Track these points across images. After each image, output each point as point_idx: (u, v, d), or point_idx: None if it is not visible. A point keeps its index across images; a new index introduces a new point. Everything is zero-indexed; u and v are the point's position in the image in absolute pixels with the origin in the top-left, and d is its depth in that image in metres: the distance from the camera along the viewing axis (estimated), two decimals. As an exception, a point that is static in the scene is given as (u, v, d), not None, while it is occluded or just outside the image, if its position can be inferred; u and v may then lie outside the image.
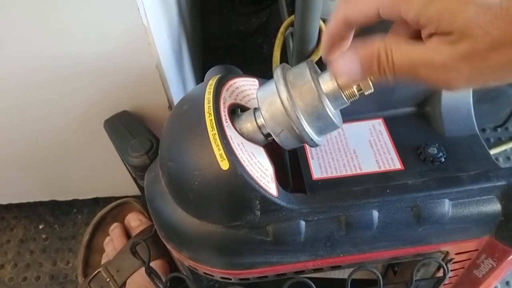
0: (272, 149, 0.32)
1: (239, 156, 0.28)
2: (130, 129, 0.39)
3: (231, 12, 0.91)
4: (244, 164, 0.28)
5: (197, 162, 0.28)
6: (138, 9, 0.33)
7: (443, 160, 0.35)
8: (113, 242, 0.52)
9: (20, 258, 0.63)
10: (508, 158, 0.67)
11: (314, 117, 0.27)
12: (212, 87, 0.31)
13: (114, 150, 0.41)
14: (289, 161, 0.39)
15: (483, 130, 0.69)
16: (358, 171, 0.36)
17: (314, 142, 0.28)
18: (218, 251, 0.30)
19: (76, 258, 0.61)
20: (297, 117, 0.26)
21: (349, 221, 0.29)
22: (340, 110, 0.30)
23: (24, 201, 0.64)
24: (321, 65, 0.28)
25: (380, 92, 0.37)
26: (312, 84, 0.26)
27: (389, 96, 0.39)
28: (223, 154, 0.27)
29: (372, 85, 0.26)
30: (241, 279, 0.33)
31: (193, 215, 0.30)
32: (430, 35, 0.21)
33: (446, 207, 0.30)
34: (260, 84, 0.34)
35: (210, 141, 0.28)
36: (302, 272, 0.33)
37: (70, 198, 0.64)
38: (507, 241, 0.32)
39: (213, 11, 0.93)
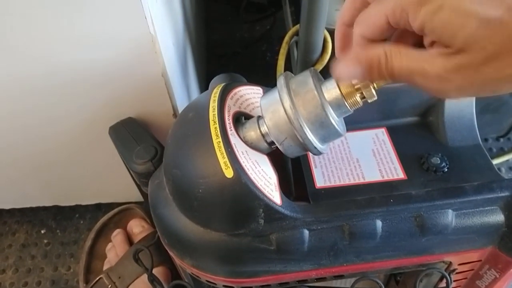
0: (275, 156, 0.32)
1: (243, 164, 0.28)
2: (134, 136, 0.39)
3: (236, 20, 0.92)
4: (248, 173, 0.28)
5: (201, 170, 0.28)
6: (146, 18, 0.33)
7: (446, 170, 0.35)
8: (115, 249, 0.52)
9: (21, 263, 0.62)
10: (511, 168, 0.67)
11: (317, 125, 0.27)
12: (217, 95, 0.31)
13: (118, 156, 0.42)
14: (292, 169, 0.39)
15: (485, 140, 0.69)
16: (361, 180, 0.36)
17: (318, 150, 0.28)
18: (221, 259, 0.30)
19: (77, 264, 0.61)
20: (300, 125, 0.27)
21: (353, 230, 0.30)
22: (344, 119, 0.30)
23: (27, 206, 0.64)
24: (325, 74, 0.29)
25: (383, 102, 0.38)
26: (315, 92, 0.26)
27: (392, 106, 0.39)
28: (228, 162, 0.28)
29: (375, 93, 0.26)
30: (243, 288, 0.33)
31: (196, 222, 0.30)
32: (432, 43, 0.21)
33: (450, 217, 0.30)
34: (264, 93, 0.35)
35: (214, 149, 0.28)
36: (305, 281, 0.33)
37: (73, 204, 0.64)
38: (510, 252, 0.32)
39: (217, 19, 0.93)
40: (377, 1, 0.23)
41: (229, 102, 0.31)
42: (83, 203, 0.64)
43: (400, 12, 0.21)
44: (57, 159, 0.51)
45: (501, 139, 0.69)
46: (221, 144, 0.28)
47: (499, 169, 0.67)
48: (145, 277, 0.45)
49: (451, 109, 0.38)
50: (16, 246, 0.64)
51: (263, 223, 0.28)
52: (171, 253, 0.34)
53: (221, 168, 0.27)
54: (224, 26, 0.92)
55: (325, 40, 0.44)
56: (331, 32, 0.43)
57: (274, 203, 0.28)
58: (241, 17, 0.90)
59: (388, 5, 0.22)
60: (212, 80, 0.37)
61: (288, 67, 0.49)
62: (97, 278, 0.50)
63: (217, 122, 0.29)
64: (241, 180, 0.27)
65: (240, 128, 0.31)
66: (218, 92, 0.31)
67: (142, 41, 0.35)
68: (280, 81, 0.28)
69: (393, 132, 0.39)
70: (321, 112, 0.26)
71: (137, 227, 0.54)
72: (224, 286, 0.33)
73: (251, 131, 0.30)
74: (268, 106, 0.28)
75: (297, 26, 0.48)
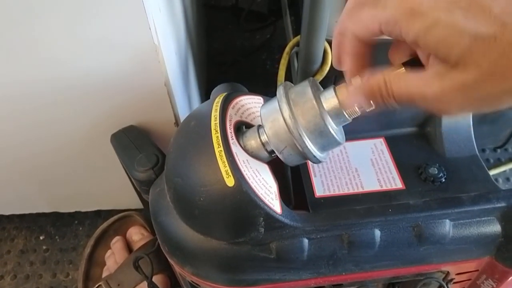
0: (275, 165, 0.32)
1: (244, 173, 0.29)
2: (136, 144, 0.40)
3: (236, 28, 0.93)
4: (249, 181, 0.29)
5: (203, 178, 0.29)
6: (150, 29, 0.34)
7: (443, 180, 0.36)
8: (114, 256, 0.52)
9: (20, 269, 0.62)
10: (508, 179, 0.68)
11: (316, 134, 0.27)
12: (219, 104, 0.31)
13: (119, 163, 0.42)
14: (291, 177, 0.40)
15: (483, 150, 0.70)
16: (360, 190, 0.36)
17: (317, 158, 0.28)
18: (221, 267, 0.31)
19: (76, 270, 0.61)
20: (300, 135, 0.27)
21: (352, 239, 0.30)
22: (343, 129, 0.30)
23: (27, 212, 0.64)
24: (325, 84, 0.29)
25: (382, 112, 0.38)
26: (314, 102, 0.27)
27: (391, 116, 0.40)
28: (229, 171, 0.28)
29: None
30: (243, 296, 0.33)
31: (197, 230, 0.30)
32: (428, 55, 0.22)
33: (447, 227, 0.30)
34: (264, 102, 0.35)
35: (216, 158, 0.28)
36: (304, 289, 0.34)
37: (73, 210, 0.64)
38: (507, 262, 0.32)
39: (218, 27, 0.94)
40: (373, 4, 0.23)
41: (230, 111, 0.32)
42: (83, 210, 0.64)
43: (393, 25, 0.22)
44: (58, 166, 0.51)
45: (498, 150, 0.70)
46: (223, 153, 0.28)
47: (496, 179, 0.67)
48: (144, 284, 0.46)
49: (449, 120, 0.38)
50: (15, 252, 0.64)
51: (263, 232, 0.29)
52: (171, 261, 0.34)
53: (223, 177, 0.28)
54: (225, 34, 0.93)
55: (325, 51, 0.44)
56: (331, 44, 0.44)
57: (275, 211, 0.29)
58: (242, 26, 0.91)
59: (382, 14, 0.22)
60: (214, 90, 0.37)
61: (288, 77, 0.50)
62: (96, 286, 0.50)
63: (219, 131, 0.29)
64: (242, 189, 0.28)
65: (241, 137, 0.31)
66: (220, 102, 0.32)
67: (145, 50, 0.36)
68: (280, 91, 0.28)
69: (391, 142, 0.40)
70: (320, 121, 0.27)
71: (137, 235, 0.54)
72: (223, 294, 0.33)
73: (252, 140, 0.31)
74: (268, 116, 0.29)
75: (298, 37, 0.48)
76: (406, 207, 0.31)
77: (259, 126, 0.31)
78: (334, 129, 0.28)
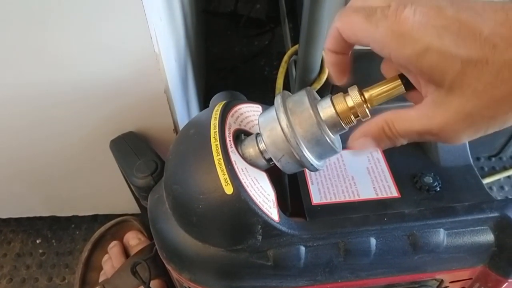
0: (272, 172, 0.32)
1: (243, 181, 0.29)
2: (135, 150, 0.40)
3: (235, 35, 0.94)
4: (248, 189, 0.29)
5: (202, 186, 0.29)
6: (151, 38, 0.34)
7: (438, 189, 0.36)
8: (111, 260, 0.53)
9: (16, 273, 0.62)
10: (502, 188, 0.68)
11: (314, 143, 0.28)
12: (218, 113, 0.32)
13: (117, 168, 0.42)
14: (288, 184, 0.40)
15: (477, 159, 0.70)
16: (356, 198, 0.37)
17: (314, 167, 0.29)
18: (219, 274, 0.31)
19: (72, 274, 0.61)
20: (297, 143, 0.27)
21: (348, 247, 0.30)
22: (340, 137, 0.31)
23: (24, 216, 0.64)
24: (323, 93, 0.30)
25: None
26: (311, 111, 0.27)
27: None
28: (228, 179, 0.28)
29: (369, 112, 0.27)
30: (240, 302, 0.33)
31: (195, 237, 0.30)
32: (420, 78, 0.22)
33: (441, 236, 0.31)
34: (263, 110, 0.36)
35: (215, 166, 0.29)
36: (300, 296, 0.34)
37: (70, 214, 0.64)
38: (500, 271, 0.33)
39: (217, 33, 0.95)
40: (367, 15, 0.22)
41: (230, 119, 0.32)
42: (80, 214, 0.64)
43: (382, 47, 0.22)
44: (56, 170, 0.51)
45: (493, 159, 0.71)
46: (222, 161, 0.29)
47: (490, 188, 0.68)
48: (141, 289, 0.46)
49: (444, 130, 0.39)
50: (11, 256, 0.64)
51: (261, 239, 0.29)
52: (169, 267, 0.34)
53: (221, 185, 0.28)
54: (224, 40, 0.94)
55: (323, 61, 0.45)
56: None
57: (272, 219, 0.29)
58: (241, 32, 0.92)
59: (374, 33, 0.22)
60: (213, 98, 0.38)
61: (286, 85, 0.51)
62: (93, 290, 0.50)
63: (218, 139, 0.30)
64: (241, 197, 0.28)
65: (240, 144, 0.32)
66: (219, 110, 0.32)
67: (146, 59, 0.36)
68: (277, 100, 0.29)
69: (387, 151, 0.40)
70: (317, 131, 0.27)
71: (134, 240, 0.54)
72: (220, 300, 0.34)
73: (250, 148, 0.31)
74: (266, 125, 0.29)
75: (296, 46, 0.49)
76: (401, 216, 0.31)
77: (258, 134, 0.31)
78: (331, 138, 0.28)
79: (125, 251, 0.54)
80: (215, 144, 0.30)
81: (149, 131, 0.45)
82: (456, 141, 0.22)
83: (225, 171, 0.28)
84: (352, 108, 0.27)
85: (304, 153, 0.28)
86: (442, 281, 0.35)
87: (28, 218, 0.65)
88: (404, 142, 0.25)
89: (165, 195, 0.33)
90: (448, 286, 0.36)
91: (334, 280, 0.32)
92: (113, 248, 0.54)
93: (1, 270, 0.63)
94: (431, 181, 0.37)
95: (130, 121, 0.43)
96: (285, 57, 0.51)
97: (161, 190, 0.34)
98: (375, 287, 0.35)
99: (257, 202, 0.29)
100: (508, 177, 0.69)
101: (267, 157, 0.31)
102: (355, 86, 0.27)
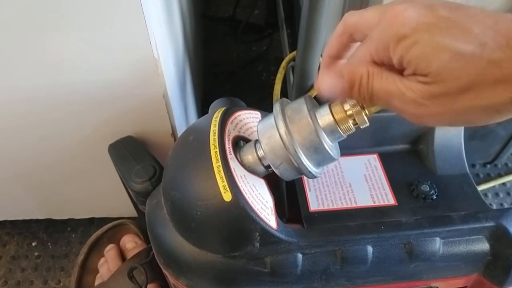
0: (270, 178, 0.33)
1: (241, 188, 0.29)
2: (134, 155, 0.40)
3: (233, 40, 0.94)
4: (246, 196, 0.29)
5: (200, 192, 0.29)
6: (150, 43, 0.34)
7: (434, 197, 0.37)
8: (107, 264, 0.52)
9: (11, 275, 0.62)
10: (497, 194, 0.69)
11: (312, 151, 0.28)
12: (218, 119, 0.32)
13: (114, 172, 0.42)
14: (286, 190, 0.40)
15: (473, 166, 0.71)
16: (353, 205, 0.37)
17: (313, 174, 0.29)
18: (216, 280, 0.31)
19: (67, 278, 0.61)
20: (295, 151, 0.28)
21: (345, 255, 0.30)
22: (338, 144, 0.31)
23: (20, 218, 0.64)
24: (319, 100, 0.30)
25: (376, 129, 0.39)
26: (309, 119, 0.27)
27: (385, 133, 0.41)
28: (227, 186, 0.28)
29: (368, 119, 0.27)
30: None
31: (193, 243, 0.31)
32: (412, 74, 0.23)
33: (437, 245, 0.31)
34: (262, 117, 0.36)
35: (214, 172, 0.29)
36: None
37: (66, 217, 0.64)
38: (494, 280, 0.33)
39: (215, 39, 0.95)
40: (363, 44, 0.24)
41: (229, 126, 0.33)
42: (77, 217, 0.64)
43: (382, 50, 0.23)
44: (53, 172, 0.51)
45: (488, 166, 0.71)
46: (221, 168, 0.29)
47: (485, 194, 0.68)
48: (137, 294, 0.45)
49: (441, 138, 0.39)
50: (6, 258, 0.64)
51: (259, 246, 0.29)
52: (166, 273, 0.34)
53: (220, 192, 0.28)
54: (222, 46, 0.94)
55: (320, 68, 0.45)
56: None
57: (270, 227, 0.29)
58: (239, 38, 0.92)
59: (372, 44, 0.23)
60: (212, 104, 0.38)
61: (284, 91, 0.51)
62: (89, 293, 0.50)
63: (217, 146, 0.30)
64: (239, 204, 0.28)
65: (238, 151, 0.32)
66: (218, 117, 0.32)
67: (145, 64, 0.36)
68: (276, 107, 0.29)
69: (384, 159, 0.41)
70: (315, 138, 0.27)
71: (130, 243, 0.54)
72: (217, 306, 0.34)
73: (249, 155, 0.31)
74: (265, 132, 0.29)
75: (294, 52, 0.49)
76: (398, 225, 0.32)
77: (256, 141, 0.31)
78: (329, 145, 0.28)
79: (122, 255, 0.54)
80: (214, 151, 0.30)
81: (147, 135, 0.45)
82: (420, 119, 0.23)
83: (224, 178, 0.29)
84: (350, 116, 0.27)
85: (302, 160, 0.28)
86: (437, 289, 0.35)
87: (24, 221, 0.65)
88: (367, 102, 0.25)
89: (164, 200, 0.33)
90: (443, 294, 0.36)
91: (331, 287, 0.32)
92: (110, 251, 0.53)
93: (-4, 273, 0.62)
94: (428, 189, 0.37)
95: (129, 125, 0.43)
96: (283, 63, 0.51)
97: (159, 195, 0.34)
98: (371, 295, 0.35)
99: (255, 209, 0.29)
100: (503, 184, 0.69)
101: (265, 164, 0.31)
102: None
